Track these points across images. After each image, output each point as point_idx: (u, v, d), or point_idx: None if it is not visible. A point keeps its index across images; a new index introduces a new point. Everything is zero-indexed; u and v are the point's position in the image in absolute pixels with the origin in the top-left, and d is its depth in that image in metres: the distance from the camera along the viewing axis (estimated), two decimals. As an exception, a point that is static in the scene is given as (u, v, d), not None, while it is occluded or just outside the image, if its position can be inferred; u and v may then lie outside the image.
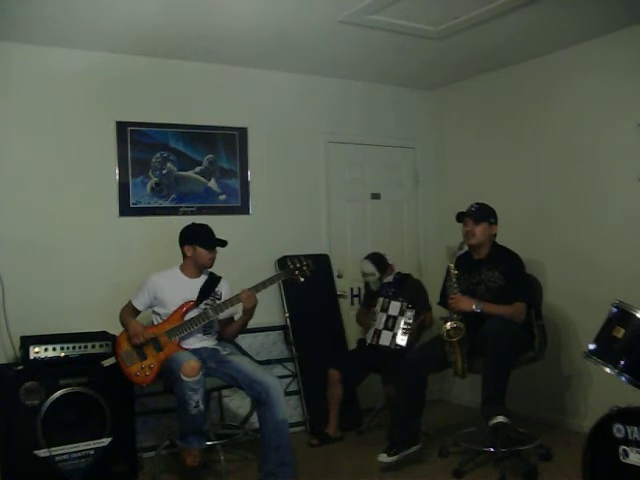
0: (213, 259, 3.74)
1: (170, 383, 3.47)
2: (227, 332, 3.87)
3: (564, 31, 4.08)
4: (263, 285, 3.67)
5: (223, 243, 3.74)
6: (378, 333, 4.32)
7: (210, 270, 3.82)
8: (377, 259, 4.55)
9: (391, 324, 4.29)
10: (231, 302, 3.63)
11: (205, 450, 3.61)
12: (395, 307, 4.31)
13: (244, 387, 3.53)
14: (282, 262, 4.64)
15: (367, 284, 4.66)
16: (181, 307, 3.64)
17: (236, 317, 3.85)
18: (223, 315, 3.73)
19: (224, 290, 3.81)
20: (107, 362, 3.62)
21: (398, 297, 4.37)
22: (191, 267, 3.76)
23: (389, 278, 4.50)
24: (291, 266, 3.72)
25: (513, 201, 4.70)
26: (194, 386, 3.32)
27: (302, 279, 3.71)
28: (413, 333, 4.26)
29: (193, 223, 3.83)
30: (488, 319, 3.62)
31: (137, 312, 3.72)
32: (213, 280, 3.80)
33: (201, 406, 3.35)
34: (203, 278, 3.78)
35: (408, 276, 4.62)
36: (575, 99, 4.38)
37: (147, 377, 3.51)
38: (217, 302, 3.72)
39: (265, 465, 3.41)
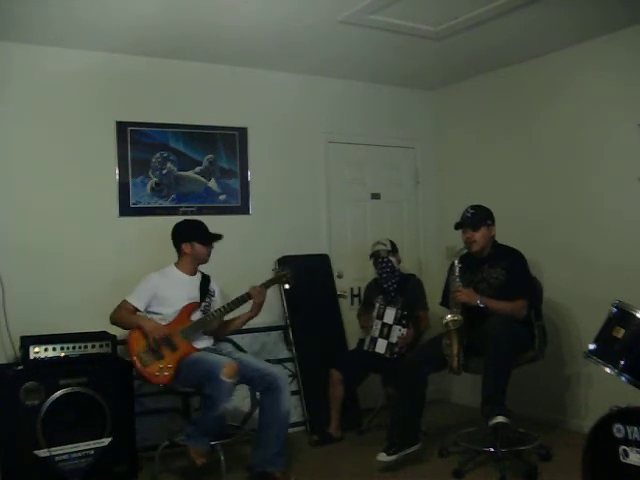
0: (210, 254, 3.81)
1: (199, 383, 3.45)
2: (223, 330, 3.90)
3: (564, 31, 4.08)
4: (266, 286, 3.81)
5: (219, 237, 3.80)
6: (374, 341, 4.32)
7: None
8: (392, 242, 4.57)
9: (386, 332, 4.28)
10: (241, 300, 3.71)
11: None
12: (390, 315, 4.29)
13: (255, 380, 3.58)
14: (282, 262, 4.65)
15: (377, 254, 4.48)
16: (187, 307, 3.67)
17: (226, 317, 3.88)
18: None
19: (217, 288, 3.87)
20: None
21: (398, 297, 4.38)
22: (188, 264, 3.79)
23: (394, 261, 4.46)
24: (278, 273, 3.93)
25: (513, 201, 4.70)
26: (229, 387, 3.37)
27: (287, 286, 3.95)
28: (408, 343, 4.25)
29: (186, 220, 3.88)
30: (489, 318, 3.63)
31: (135, 312, 3.68)
32: (207, 279, 3.86)
33: (227, 407, 3.43)
34: (199, 277, 3.83)
35: (411, 276, 4.62)
36: (575, 99, 4.38)
37: (166, 377, 3.53)
38: (212, 300, 3.78)
39: (260, 451, 3.49)
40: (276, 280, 3.90)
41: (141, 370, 3.54)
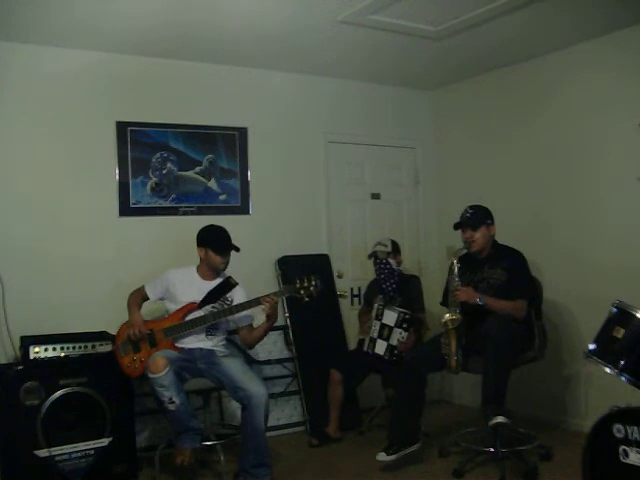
0: (225, 263, 3.74)
1: None
2: (246, 339, 3.83)
3: (564, 31, 4.08)
4: (275, 295, 3.63)
5: (235, 249, 3.73)
6: (374, 341, 4.29)
7: (229, 275, 3.80)
8: (395, 242, 4.55)
9: (386, 334, 4.24)
10: (237, 309, 3.61)
11: (200, 450, 3.64)
12: (390, 317, 4.24)
13: (228, 391, 3.56)
14: (282, 262, 4.66)
15: (375, 255, 4.45)
16: (184, 307, 3.66)
17: (255, 324, 3.82)
18: (236, 319, 3.73)
19: (237, 297, 3.76)
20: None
21: (397, 298, 4.37)
22: (204, 269, 3.77)
23: (393, 262, 4.43)
24: (298, 284, 3.58)
25: (513, 201, 4.71)
26: (161, 382, 3.35)
27: (307, 299, 3.56)
28: (408, 348, 4.19)
29: (211, 225, 3.80)
30: (488, 319, 3.63)
31: (146, 299, 3.77)
32: (226, 285, 3.77)
33: (177, 402, 3.38)
34: (217, 282, 3.77)
35: (412, 277, 4.61)
36: (575, 99, 4.38)
37: (136, 370, 3.57)
38: (225, 307, 3.70)
39: (242, 462, 3.47)
40: (292, 291, 3.61)
41: (118, 359, 3.60)
